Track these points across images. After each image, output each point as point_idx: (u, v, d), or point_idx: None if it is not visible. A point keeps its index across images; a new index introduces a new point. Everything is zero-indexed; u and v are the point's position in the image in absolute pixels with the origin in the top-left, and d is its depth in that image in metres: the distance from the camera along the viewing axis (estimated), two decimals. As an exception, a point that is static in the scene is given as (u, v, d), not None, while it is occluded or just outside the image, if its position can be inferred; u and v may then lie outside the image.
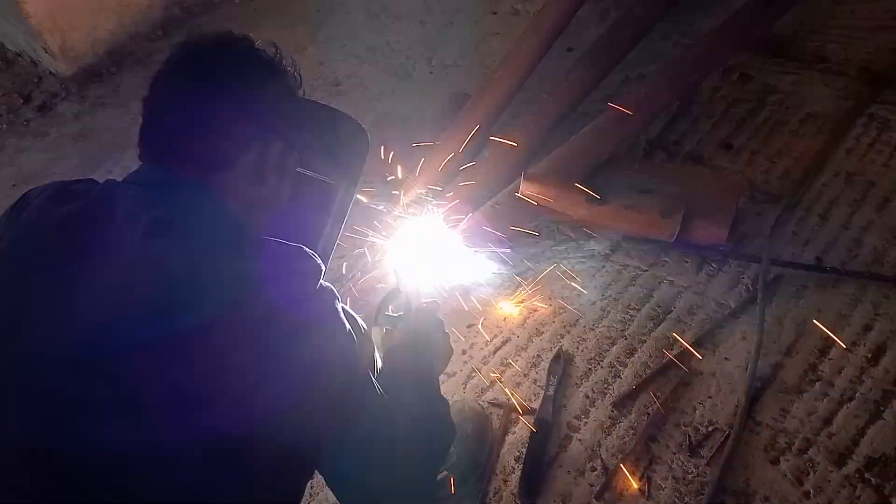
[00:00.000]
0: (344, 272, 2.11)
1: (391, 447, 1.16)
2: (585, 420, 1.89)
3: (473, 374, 2.02)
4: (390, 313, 1.52)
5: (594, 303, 2.13)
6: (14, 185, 2.82)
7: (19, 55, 3.36)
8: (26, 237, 1.08)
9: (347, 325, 1.11)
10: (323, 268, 1.14)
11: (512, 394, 1.93)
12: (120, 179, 1.17)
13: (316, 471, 1.18)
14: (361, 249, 2.01)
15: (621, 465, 1.76)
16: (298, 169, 1.29)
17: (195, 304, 0.98)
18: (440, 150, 2.37)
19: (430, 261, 1.74)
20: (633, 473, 1.76)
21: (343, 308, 1.13)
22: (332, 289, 1.13)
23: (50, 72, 3.26)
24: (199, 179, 1.12)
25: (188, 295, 0.99)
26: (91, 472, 0.94)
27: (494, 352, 2.06)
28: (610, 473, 1.76)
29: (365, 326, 1.19)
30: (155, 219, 1.05)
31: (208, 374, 0.97)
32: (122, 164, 2.83)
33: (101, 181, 1.18)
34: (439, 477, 1.70)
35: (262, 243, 1.12)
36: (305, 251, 1.12)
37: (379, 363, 1.26)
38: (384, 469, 1.16)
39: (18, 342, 0.97)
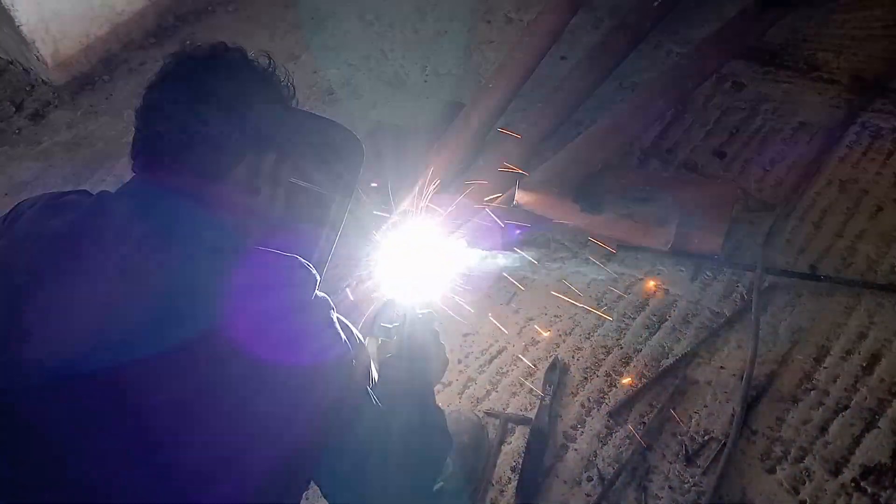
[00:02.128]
0: (338, 282, 2.10)
1: (386, 458, 1.16)
2: (581, 430, 1.88)
3: (469, 384, 2.01)
4: (385, 324, 1.51)
5: (589, 312, 2.13)
6: (6, 195, 2.80)
7: (11, 63, 3.35)
8: (18, 249, 1.07)
9: (343, 336, 1.11)
10: (318, 278, 1.13)
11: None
12: (113, 190, 1.17)
13: (311, 482, 1.17)
14: (356, 259, 2.00)
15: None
16: (292, 179, 1.29)
17: (190, 317, 0.98)
18: (437, 159, 2.37)
19: (426, 270, 1.73)
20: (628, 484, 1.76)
21: (338, 318, 1.13)
22: (327, 299, 1.13)
23: (42, 80, 3.24)
24: (193, 190, 1.12)
25: (182, 307, 0.99)
26: (81, 487, 0.94)
27: (490, 361, 2.06)
28: (607, 483, 1.75)
29: (360, 337, 1.18)
30: (148, 231, 1.04)
31: (203, 385, 0.97)
32: (115, 172, 2.82)
33: (93, 192, 1.17)
34: (435, 488, 1.69)
35: (257, 254, 1.12)
36: (300, 261, 1.12)
37: (374, 374, 1.25)
38: (380, 480, 1.16)
39: (10, 357, 0.96)
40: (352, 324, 1.17)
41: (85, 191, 1.21)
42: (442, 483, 1.69)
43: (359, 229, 1.92)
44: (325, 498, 1.22)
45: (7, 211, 1.17)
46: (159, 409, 0.95)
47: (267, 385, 1.00)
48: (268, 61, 1.25)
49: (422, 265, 1.74)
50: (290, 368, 1.02)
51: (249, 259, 1.10)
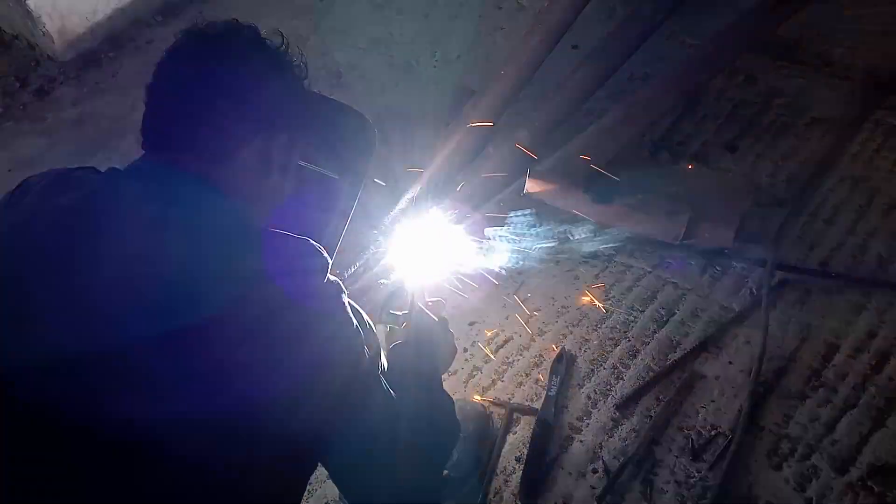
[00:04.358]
0: (346, 268, 2.09)
1: (394, 443, 1.15)
2: (587, 421, 1.87)
3: (475, 373, 2.00)
4: (394, 311, 1.50)
5: (597, 303, 2.11)
6: (10, 171, 2.78)
7: (16, 38, 3.31)
8: (27, 226, 1.05)
9: (354, 320, 1.09)
10: (329, 262, 1.12)
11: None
12: (119, 167, 1.15)
13: (319, 464, 1.16)
14: (365, 245, 1.99)
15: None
16: (302, 163, 1.27)
17: (200, 300, 0.97)
18: (445, 146, 2.34)
19: (434, 258, 1.72)
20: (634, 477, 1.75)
21: (349, 303, 1.11)
22: (338, 283, 1.11)
23: (48, 56, 3.20)
24: (202, 171, 1.10)
25: (193, 290, 0.97)
26: (94, 468, 0.93)
27: (496, 350, 2.04)
28: (612, 475, 1.74)
29: (371, 322, 1.17)
30: (158, 212, 1.03)
31: (213, 369, 0.96)
32: (120, 150, 2.79)
33: (101, 169, 1.15)
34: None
35: (268, 237, 1.10)
36: (312, 245, 1.10)
37: (384, 361, 1.24)
38: (386, 465, 1.15)
39: (22, 336, 0.95)
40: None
41: (93, 168, 1.19)
42: (447, 471, 1.69)
43: (368, 215, 1.91)
44: (333, 482, 1.21)
45: (14, 186, 1.15)
46: (168, 392, 0.94)
47: (277, 368, 0.99)
48: (281, 40, 1.23)
49: (430, 253, 1.72)
50: (300, 352, 1.01)
51: (260, 242, 1.08)
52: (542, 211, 2.20)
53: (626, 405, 1.88)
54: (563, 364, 1.96)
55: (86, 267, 0.98)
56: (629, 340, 2.02)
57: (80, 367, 0.92)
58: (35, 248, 1.03)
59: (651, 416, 1.85)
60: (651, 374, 1.93)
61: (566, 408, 1.90)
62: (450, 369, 1.94)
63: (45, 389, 0.93)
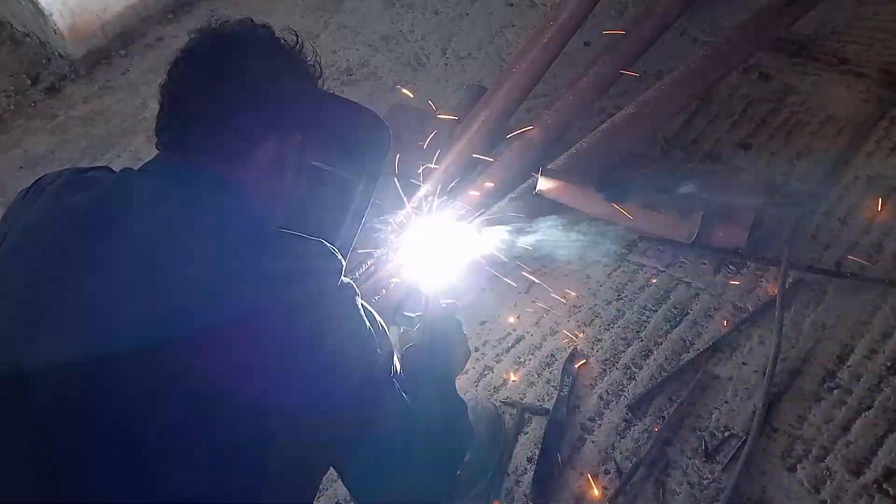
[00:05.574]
0: (357, 266, 2.08)
1: (406, 446, 1.15)
2: (599, 422, 1.86)
3: (486, 372, 1.99)
4: (408, 313, 1.50)
5: (609, 303, 2.10)
6: (21, 168, 2.79)
7: (27, 35, 3.32)
8: (42, 226, 1.06)
9: (367, 323, 1.09)
10: (343, 264, 1.11)
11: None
12: (129, 165, 1.16)
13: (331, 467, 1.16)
14: (377, 246, 1.98)
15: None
16: (316, 163, 1.27)
17: (215, 302, 0.97)
18: (454, 145, 2.33)
19: (449, 258, 1.71)
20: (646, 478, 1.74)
21: (363, 305, 1.11)
22: (352, 285, 1.11)
23: (59, 53, 3.21)
24: (217, 171, 1.11)
25: (208, 292, 0.97)
26: (106, 469, 0.93)
27: (507, 350, 2.04)
28: (624, 476, 1.73)
29: (384, 325, 1.16)
30: (172, 213, 1.03)
31: (228, 371, 0.96)
32: (131, 149, 2.80)
33: (115, 169, 1.15)
34: (452, 477, 1.68)
35: (282, 238, 1.10)
36: (327, 247, 1.10)
37: (397, 364, 1.23)
38: (401, 469, 1.15)
39: (38, 335, 0.95)
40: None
41: (107, 167, 1.19)
42: (459, 472, 1.69)
43: (380, 215, 1.90)
44: (344, 484, 1.21)
45: (28, 185, 1.15)
46: (183, 393, 0.94)
47: (290, 370, 0.99)
48: (295, 39, 1.23)
49: (444, 253, 1.71)
50: (314, 355, 1.01)
51: (275, 244, 1.09)
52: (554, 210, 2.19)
53: (638, 406, 1.87)
54: (575, 364, 1.95)
55: (101, 267, 0.98)
56: (642, 340, 2.01)
57: (96, 367, 0.92)
58: (50, 248, 1.03)
59: (664, 417, 1.84)
60: (664, 374, 1.92)
61: (578, 408, 1.89)
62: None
63: (61, 389, 0.93)
